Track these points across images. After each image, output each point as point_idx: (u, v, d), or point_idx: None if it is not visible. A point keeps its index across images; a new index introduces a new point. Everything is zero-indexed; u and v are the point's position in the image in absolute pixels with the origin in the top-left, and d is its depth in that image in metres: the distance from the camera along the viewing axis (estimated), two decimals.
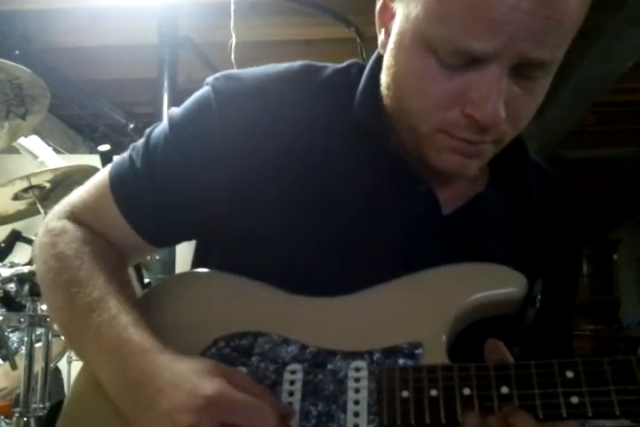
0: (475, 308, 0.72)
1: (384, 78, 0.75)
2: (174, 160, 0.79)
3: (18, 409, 1.98)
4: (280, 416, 0.65)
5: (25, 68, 1.89)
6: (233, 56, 2.72)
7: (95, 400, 0.75)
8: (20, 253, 2.28)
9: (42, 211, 2.25)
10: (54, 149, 2.64)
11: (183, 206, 0.80)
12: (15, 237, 2.31)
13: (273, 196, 0.76)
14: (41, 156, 2.46)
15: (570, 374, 0.62)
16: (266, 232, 0.77)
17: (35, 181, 2.20)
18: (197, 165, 0.78)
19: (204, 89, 0.80)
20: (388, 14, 0.72)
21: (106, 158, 2.11)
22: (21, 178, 2.17)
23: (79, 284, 0.75)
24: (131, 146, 0.84)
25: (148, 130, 0.83)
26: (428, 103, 0.69)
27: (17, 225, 2.40)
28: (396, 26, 0.70)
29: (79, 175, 2.30)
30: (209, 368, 0.66)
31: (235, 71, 0.81)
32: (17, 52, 2.94)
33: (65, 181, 2.30)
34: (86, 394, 0.79)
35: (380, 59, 0.77)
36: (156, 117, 3.13)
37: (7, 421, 2.14)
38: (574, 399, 0.61)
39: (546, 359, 0.64)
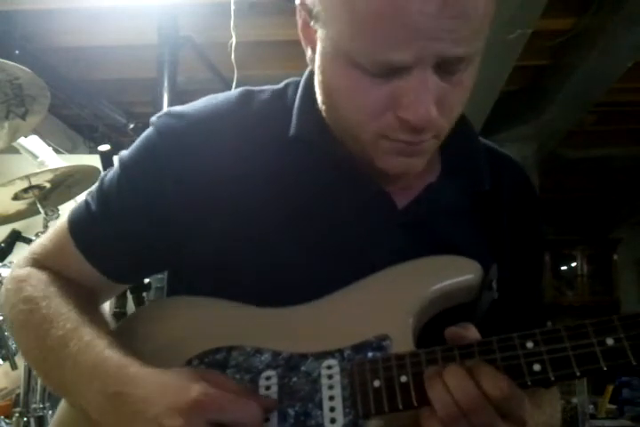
0: (436, 298, 0.74)
1: (318, 94, 0.77)
2: (128, 200, 0.82)
3: (18, 409, 1.98)
4: (263, 409, 0.67)
5: (25, 68, 1.89)
6: (233, 56, 2.72)
7: (83, 419, 0.75)
8: (20, 253, 2.27)
9: (42, 211, 2.25)
10: (54, 149, 2.65)
11: (140, 242, 0.82)
12: (15, 237, 2.32)
13: (231, 220, 0.79)
14: (41, 156, 2.46)
15: (530, 345, 0.65)
16: (229, 254, 0.79)
17: (35, 181, 2.21)
18: (151, 202, 0.80)
19: (149, 129, 0.83)
20: (310, 32, 0.74)
21: (106, 158, 2.12)
22: (21, 178, 2.17)
23: (50, 321, 0.77)
24: (88, 191, 0.87)
25: (102, 174, 0.87)
26: (363, 113, 0.71)
27: (17, 225, 2.40)
28: (319, 45, 0.73)
29: (79, 175, 2.30)
30: (190, 374, 0.69)
31: (176, 108, 0.84)
32: (17, 52, 2.93)
33: (65, 181, 2.31)
34: (74, 413, 0.80)
35: (312, 74, 0.79)
36: None
37: (7, 421, 2.14)
38: (536, 367, 0.64)
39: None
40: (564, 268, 7.07)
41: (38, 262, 0.86)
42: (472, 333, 0.70)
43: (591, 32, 3.08)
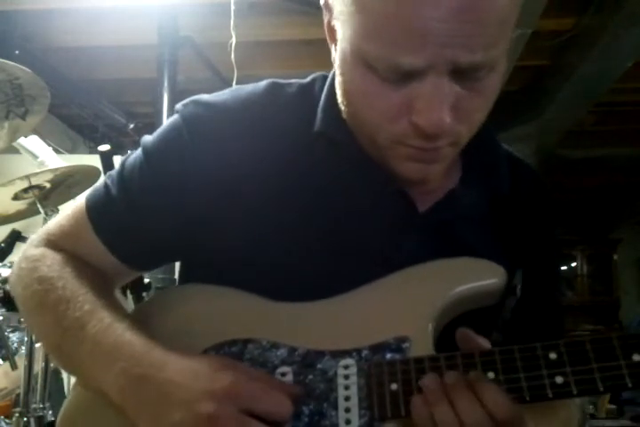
0: (458, 300, 0.73)
1: (338, 95, 0.76)
2: (150, 186, 0.80)
3: (18, 409, 1.98)
4: (291, 398, 0.67)
5: (25, 68, 1.89)
6: (233, 56, 2.73)
7: (93, 409, 0.75)
8: (20, 254, 2.27)
9: (42, 211, 2.25)
10: (54, 149, 2.64)
11: (160, 230, 0.81)
12: (15, 237, 2.32)
13: (251, 213, 0.78)
14: (41, 156, 2.46)
15: (553, 356, 0.63)
16: (247, 247, 0.78)
17: (35, 181, 2.20)
18: (173, 189, 0.79)
19: (174, 116, 0.82)
20: (333, 31, 0.73)
21: (106, 158, 2.11)
22: (21, 178, 2.17)
23: (67, 301, 0.76)
24: (107, 174, 0.86)
25: (122, 158, 0.85)
26: (378, 117, 0.70)
27: (17, 225, 2.40)
28: (339, 45, 0.72)
29: (79, 175, 2.30)
30: (220, 361, 0.69)
31: (202, 96, 0.82)
32: (17, 52, 2.94)
33: (65, 181, 2.31)
34: (84, 403, 0.80)
35: None
36: (156, 117, 3.14)
37: (7, 421, 2.14)
38: (559, 379, 0.62)
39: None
40: (564, 268, 7.07)
41: (53, 243, 0.84)
42: (482, 339, 0.69)
43: (591, 32, 3.08)
